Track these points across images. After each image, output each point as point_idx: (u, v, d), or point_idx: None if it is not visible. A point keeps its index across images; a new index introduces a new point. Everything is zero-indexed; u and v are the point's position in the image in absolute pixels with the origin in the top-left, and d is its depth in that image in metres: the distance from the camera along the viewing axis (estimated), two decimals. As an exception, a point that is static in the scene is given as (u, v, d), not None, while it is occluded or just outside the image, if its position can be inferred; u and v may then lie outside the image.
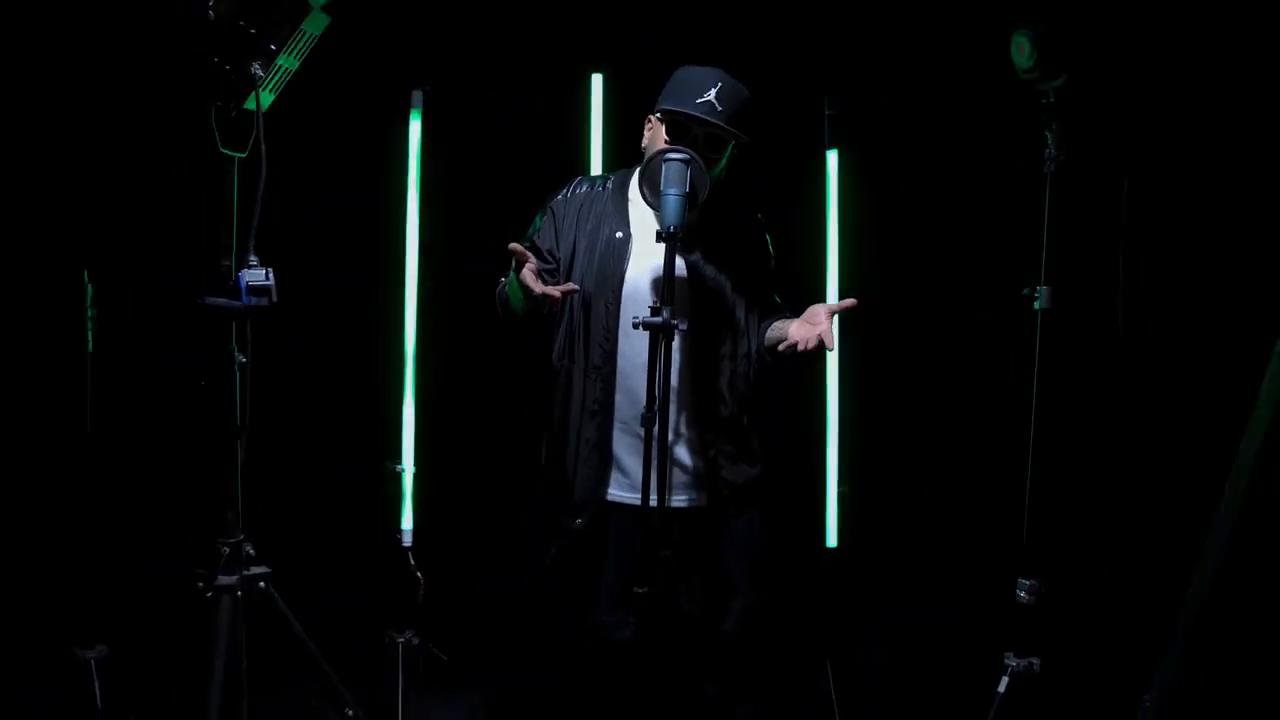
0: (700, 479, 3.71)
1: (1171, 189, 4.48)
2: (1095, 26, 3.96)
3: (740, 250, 3.77)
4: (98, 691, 4.08)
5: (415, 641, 4.49)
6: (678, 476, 3.67)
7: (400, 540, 4.52)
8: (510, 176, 4.89)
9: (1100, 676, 4.39)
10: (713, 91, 3.57)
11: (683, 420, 3.68)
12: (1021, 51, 3.86)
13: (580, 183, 3.85)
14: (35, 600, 4.47)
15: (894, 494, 5.14)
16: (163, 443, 4.62)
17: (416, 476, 4.51)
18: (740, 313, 3.71)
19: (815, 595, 4.58)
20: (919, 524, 5.19)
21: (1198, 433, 4.34)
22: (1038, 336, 3.93)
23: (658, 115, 3.69)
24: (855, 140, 4.65)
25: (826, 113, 4.55)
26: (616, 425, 3.69)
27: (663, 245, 3.30)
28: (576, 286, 3.63)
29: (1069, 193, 3.92)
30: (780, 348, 3.54)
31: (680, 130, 3.60)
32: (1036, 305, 3.93)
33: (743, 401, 3.73)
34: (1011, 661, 3.98)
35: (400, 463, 4.50)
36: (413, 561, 4.51)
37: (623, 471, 3.69)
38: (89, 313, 4.01)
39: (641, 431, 3.33)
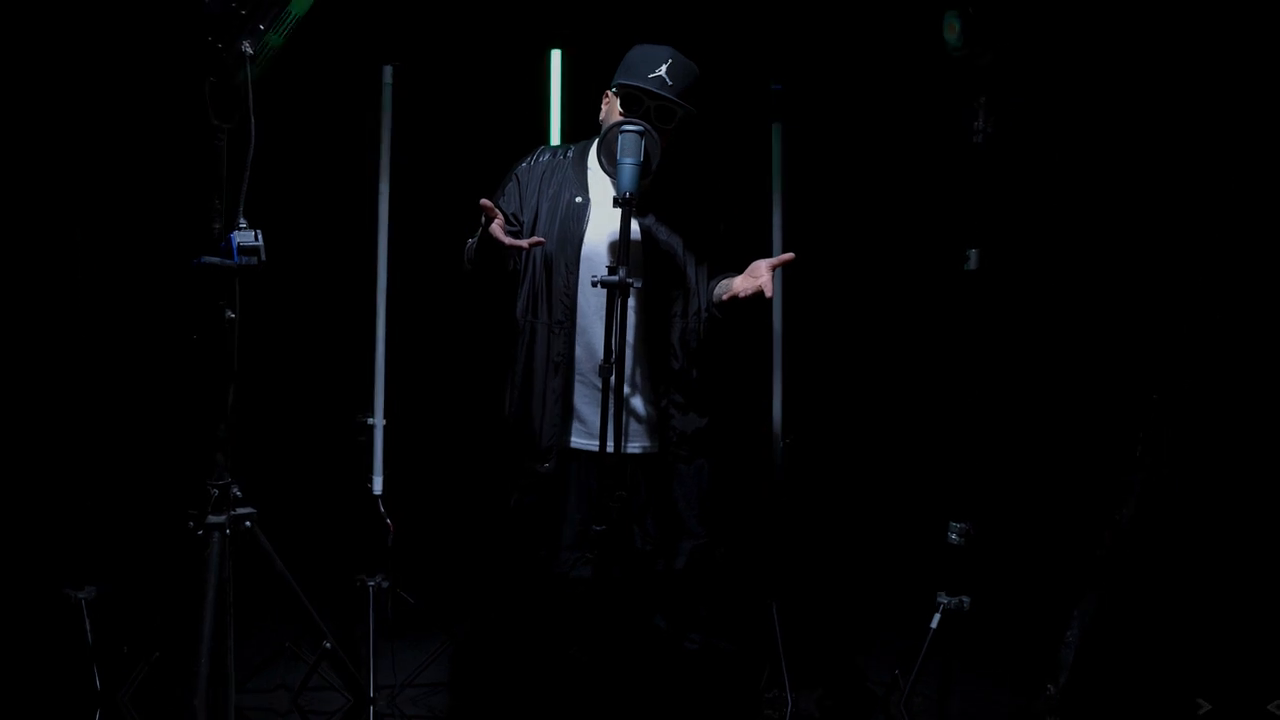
0: (653, 427, 4.04)
1: (1091, 162, 4.83)
2: (1020, 6, 4.34)
3: (691, 215, 4.10)
4: (88, 629, 4.37)
5: (385, 585, 4.76)
6: (633, 425, 4.00)
7: (370, 489, 4.77)
8: (475, 145, 5.21)
9: (1026, 613, 4.74)
10: (663, 67, 3.92)
11: (638, 373, 4.01)
12: (952, 30, 4.23)
13: (543, 151, 4.19)
14: (26, 543, 4.73)
15: (835, 445, 5.44)
16: (152, 394, 4.94)
17: (386, 429, 4.78)
18: (691, 272, 4.04)
19: (760, 538, 4.90)
20: (858, 473, 5.52)
21: (1115, 388, 4.66)
22: (967, 296, 4.29)
23: (614, 90, 4.02)
24: (797, 114, 4.91)
25: (772, 88, 4.82)
26: (577, 378, 4.02)
27: (619, 210, 3.65)
28: (542, 240, 3.95)
29: (996, 162, 4.28)
30: (724, 297, 3.89)
31: (633, 103, 3.93)
32: (966, 267, 4.28)
33: (693, 356, 4.05)
34: (943, 599, 4.33)
35: (371, 415, 4.76)
36: (382, 509, 4.76)
37: (582, 421, 4.01)
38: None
39: (599, 383, 3.69)
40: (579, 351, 4.01)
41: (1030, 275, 4.88)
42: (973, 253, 4.28)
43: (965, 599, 4.31)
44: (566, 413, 4.03)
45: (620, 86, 3.99)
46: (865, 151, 5.44)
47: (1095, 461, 4.63)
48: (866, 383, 5.53)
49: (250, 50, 3.67)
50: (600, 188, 4.04)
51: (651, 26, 4.22)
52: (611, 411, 3.66)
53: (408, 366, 5.04)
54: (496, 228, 3.81)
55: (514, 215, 4.08)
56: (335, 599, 4.73)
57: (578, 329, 4.01)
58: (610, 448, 3.68)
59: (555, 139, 4.93)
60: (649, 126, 3.81)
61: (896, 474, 5.44)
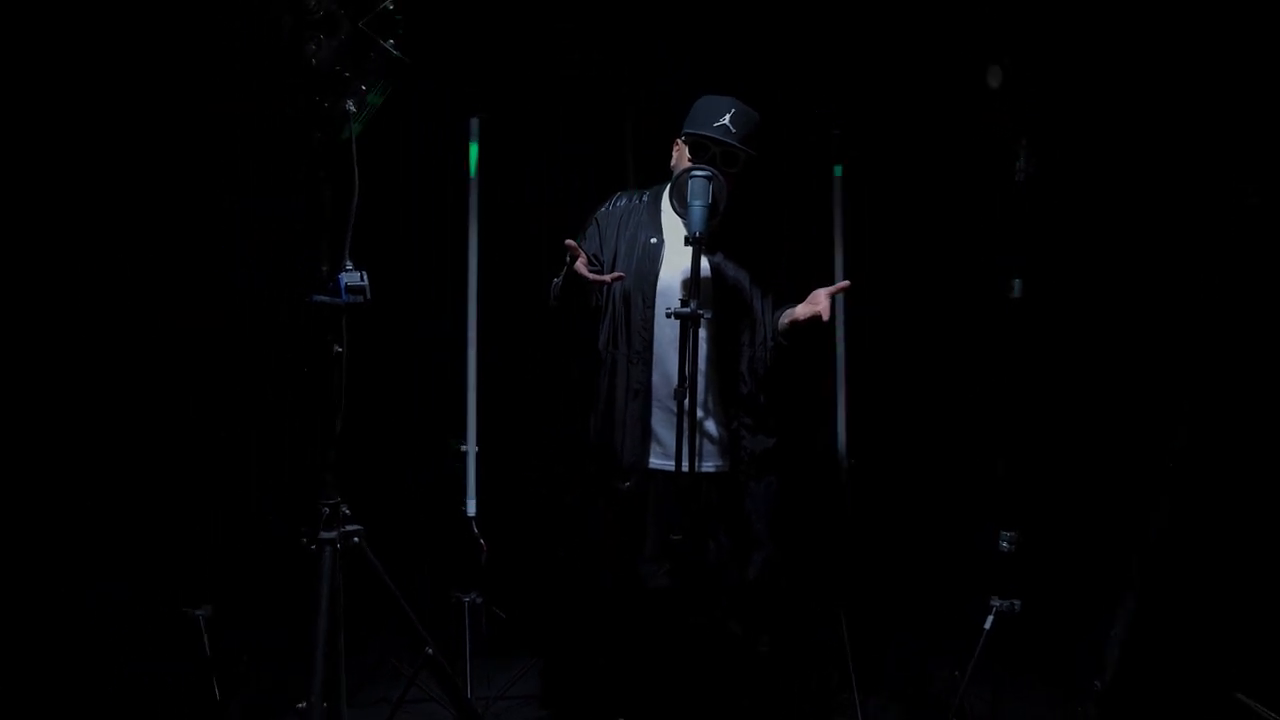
0: (725, 447, 4.40)
1: (1130, 199, 5.17)
2: (1061, 57, 4.71)
3: (757, 252, 4.48)
4: (207, 644, 4.72)
5: (479, 601, 5.17)
6: (706, 445, 4.36)
7: (465, 511, 5.19)
8: (557, 192, 5.65)
9: (1073, 615, 5.03)
10: (727, 116, 4.31)
11: (710, 398, 4.38)
12: (996, 79, 4.62)
13: (620, 197, 4.61)
14: (147, 566, 5.07)
15: (893, 462, 5.77)
16: (266, 422, 5.37)
17: (479, 455, 5.20)
18: (757, 305, 4.42)
19: (827, 551, 5.26)
20: (916, 487, 5.87)
21: (1150, 398, 4.99)
22: (1012, 322, 4.60)
23: (682, 138, 4.41)
24: (858, 156, 5.35)
25: (833, 132, 5.25)
26: (654, 403, 4.39)
27: (690, 248, 4.02)
28: (623, 275, 4.35)
29: (1039, 199, 4.61)
30: (786, 324, 4.31)
31: (700, 150, 4.33)
32: (1011, 295, 4.58)
33: (761, 382, 4.42)
34: (996, 603, 4.58)
35: (465, 442, 5.18)
36: (475, 530, 5.18)
37: (660, 443, 4.38)
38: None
39: (675, 407, 4.03)
40: (656, 379, 4.39)
41: (1070, 300, 5.21)
42: (1018, 282, 4.58)
43: (1016, 602, 4.57)
44: (645, 435, 4.39)
45: (688, 135, 4.37)
46: (919, 189, 5.81)
47: (1133, 470, 4.93)
48: (922, 403, 5.86)
49: (354, 109, 4.07)
50: (673, 229, 4.40)
51: (718, 78, 4.60)
52: (686, 433, 3.98)
53: (500, 396, 5.45)
54: (581, 265, 4.22)
55: (595, 255, 4.47)
56: (432, 615, 4.97)
57: (654, 359, 4.38)
58: (686, 467, 4.01)
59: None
60: (716, 171, 4.18)
61: (952, 487, 5.74)
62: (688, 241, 4.04)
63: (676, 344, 4.02)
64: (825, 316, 4.18)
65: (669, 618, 4.34)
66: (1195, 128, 4.86)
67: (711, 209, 4.13)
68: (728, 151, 4.32)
